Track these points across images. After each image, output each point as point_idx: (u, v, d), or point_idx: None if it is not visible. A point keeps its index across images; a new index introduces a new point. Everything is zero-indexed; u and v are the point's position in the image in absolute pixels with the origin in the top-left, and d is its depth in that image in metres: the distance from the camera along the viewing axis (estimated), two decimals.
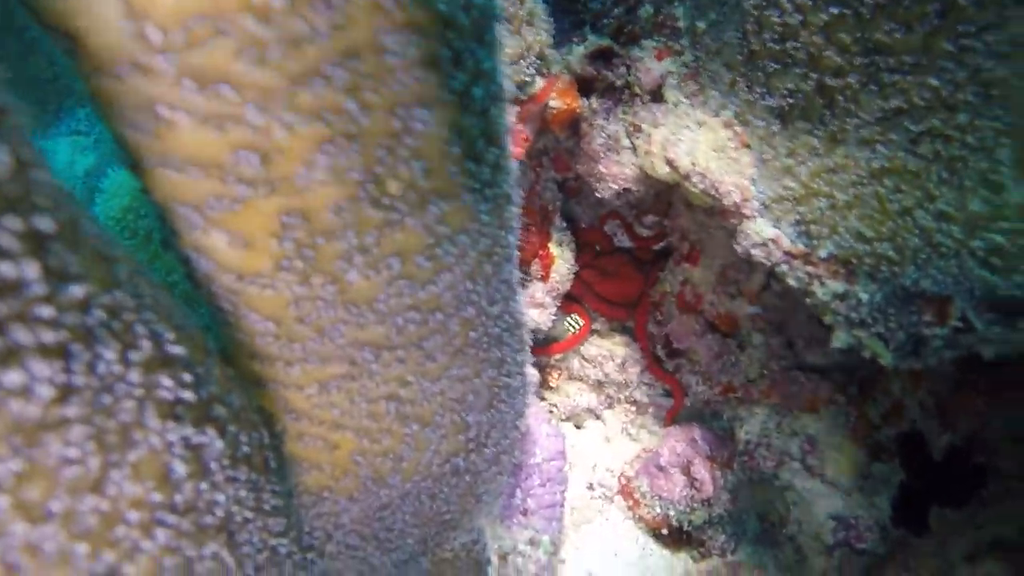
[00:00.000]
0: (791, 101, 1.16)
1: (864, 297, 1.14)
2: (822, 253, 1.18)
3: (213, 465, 0.72)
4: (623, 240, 2.24)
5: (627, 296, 2.14)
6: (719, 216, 1.35)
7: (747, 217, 1.28)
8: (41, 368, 0.47)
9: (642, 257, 2.21)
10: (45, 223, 0.47)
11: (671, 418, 2.09)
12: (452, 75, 0.62)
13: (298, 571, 1.04)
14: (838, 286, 1.17)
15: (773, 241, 1.24)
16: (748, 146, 1.29)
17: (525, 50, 1.36)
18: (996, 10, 0.93)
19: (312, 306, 0.79)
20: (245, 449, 0.80)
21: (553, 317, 1.83)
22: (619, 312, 2.15)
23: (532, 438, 1.68)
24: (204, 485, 0.71)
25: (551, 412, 2.12)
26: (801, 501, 2.01)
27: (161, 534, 0.65)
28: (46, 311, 0.47)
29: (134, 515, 0.61)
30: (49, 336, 0.47)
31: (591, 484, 2.06)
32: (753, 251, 1.26)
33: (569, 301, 2.06)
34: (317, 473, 1.05)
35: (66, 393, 0.50)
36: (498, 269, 0.91)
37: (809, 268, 1.20)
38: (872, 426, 1.95)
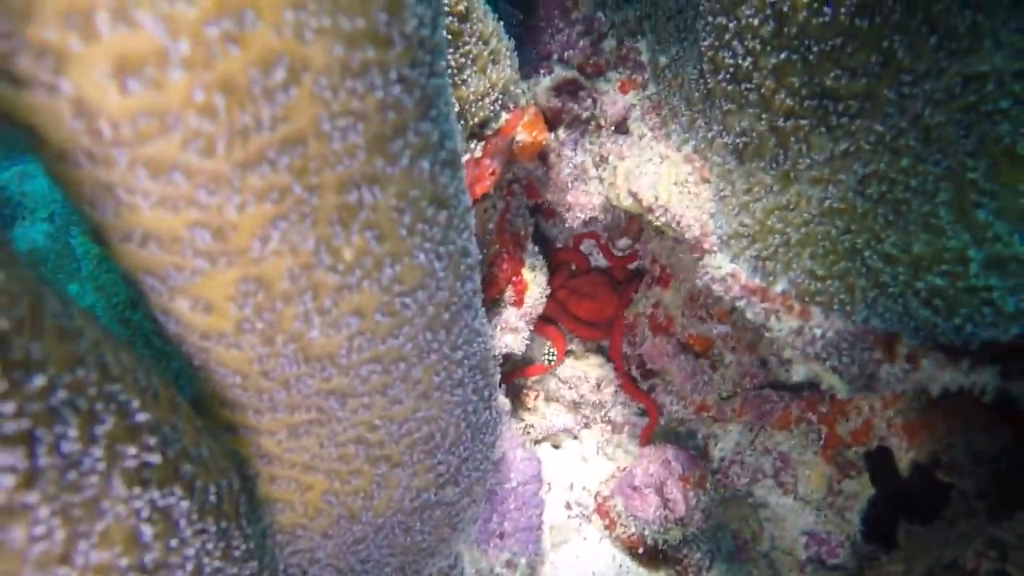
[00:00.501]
0: (746, 140, 1.20)
1: (818, 332, 1.18)
2: (777, 288, 1.21)
3: (181, 522, 0.75)
4: (599, 260, 2.28)
5: (602, 316, 2.17)
6: (686, 247, 1.39)
7: (707, 251, 1.31)
8: (3, 458, 0.50)
9: (617, 276, 2.25)
10: (2, 323, 0.50)
11: (646, 437, 2.12)
12: (398, 153, 0.65)
13: None
14: (794, 322, 1.21)
15: (731, 276, 1.27)
16: (707, 180, 1.33)
17: (490, 88, 1.39)
18: (932, 60, 0.97)
19: (276, 362, 0.82)
20: (213, 500, 0.83)
21: (527, 341, 1.85)
22: (595, 333, 2.19)
23: (507, 463, 1.70)
24: (173, 542, 0.73)
25: (528, 433, 2.15)
26: (774, 517, 2.05)
27: None
28: (8, 407, 0.49)
29: None
30: (11, 427, 0.50)
31: (568, 503, 2.09)
32: (713, 285, 1.30)
33: (544, 322, 2.09)
34: (291, 513, 1.08)
35: (31, 477, 0.53)
36: (457, 317, 0.94)
37: (766, 304, 1.23)
38: (842, 443, 1.99)
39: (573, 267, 2.29)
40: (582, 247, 2.29)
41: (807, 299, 1.18)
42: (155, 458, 0.69)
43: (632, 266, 2.22)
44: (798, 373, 1.25)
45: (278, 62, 0.53)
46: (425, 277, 0.82)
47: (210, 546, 0.82)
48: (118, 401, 0.65)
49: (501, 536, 1.71)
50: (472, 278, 0.96)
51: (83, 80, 0.51)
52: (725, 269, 1.28)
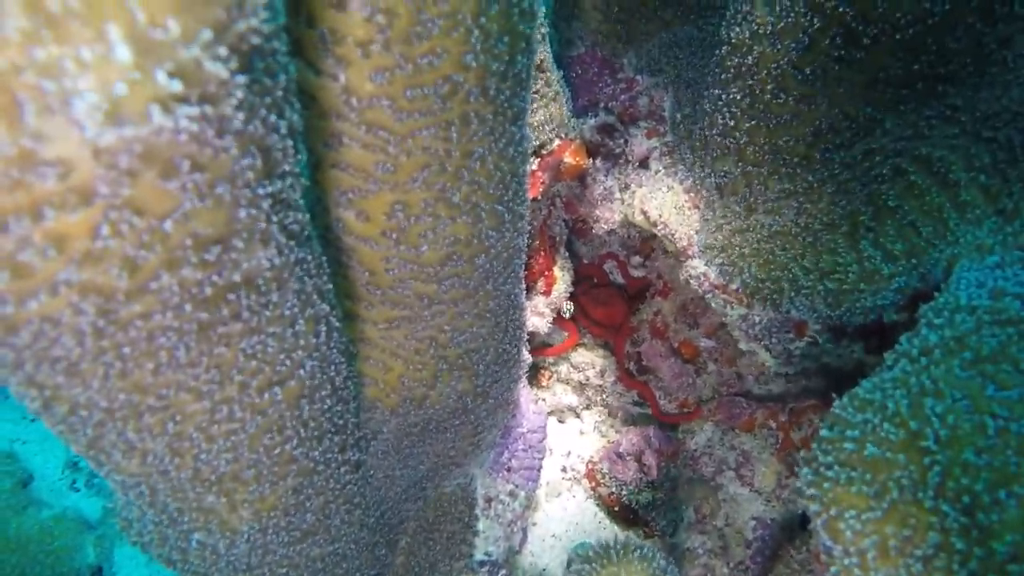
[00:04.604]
0: (726, 180, 1.68)
1: (757, 319, 1.65)
2: (733, 286, 1.69)
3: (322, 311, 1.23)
4: (617, 278, 2.77)
5: (613, 320, 2.66)
6: (674, 257, 1.88)
7: (689, 257, 1.80)
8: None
9: (630, 292, 2.74)
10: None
11: (657, 412, 2.56)
12: (498, 138, 1.14)
13: (357, 444, 1.53)
14: (742, 310, 1.68)
15: (704, 275, 1.75)
16: (697, 207, 1.82)
17: (549, 118, 1.89)
18: (845, 136, 1.45)
19: (396, 264, 1.29)
20: (342, 345, 1.31)
21: (550, 325, 2.33)
22: (605, 333, 2.67)
23: (521, 411, 2.17)
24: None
25: (540, 403, 2.63)
26: (731, 501, 2.50)
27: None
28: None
29: None
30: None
31: (564, 468, 2.56)
32: (691, 281, 1.78)
33: (564, 319, 2.58)
34: (374, 388, 1.55)
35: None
36: (510, 260, 1.41)
37: (725, 296, 1.71)
38: (794, 447, 2.44)
39: (595, 280, 2.79)
40: (605, 266, 2.79)
41: (752, 295, 1.65)
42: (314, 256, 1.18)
43: (643, 287, 2.71)
44: (742, 345, 1.73)
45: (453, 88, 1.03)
46: (500, 222, 1.30)
47: (336, 358, 1.29)
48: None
49: (508, 470, 2.17)
50: (522, 238, 1.44)
51: (353, 75, 1.01)
52: (700, 270, 1.77)
